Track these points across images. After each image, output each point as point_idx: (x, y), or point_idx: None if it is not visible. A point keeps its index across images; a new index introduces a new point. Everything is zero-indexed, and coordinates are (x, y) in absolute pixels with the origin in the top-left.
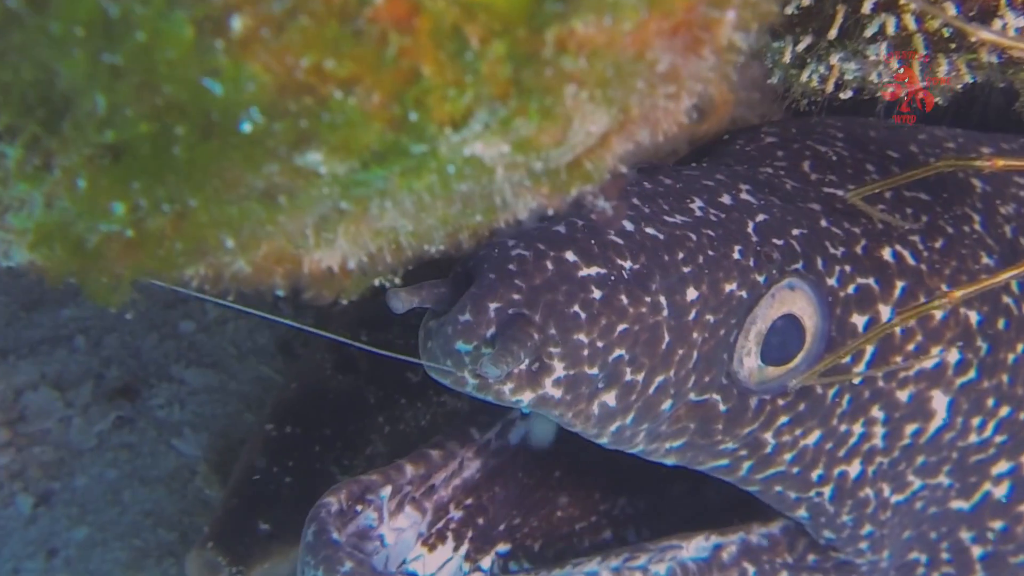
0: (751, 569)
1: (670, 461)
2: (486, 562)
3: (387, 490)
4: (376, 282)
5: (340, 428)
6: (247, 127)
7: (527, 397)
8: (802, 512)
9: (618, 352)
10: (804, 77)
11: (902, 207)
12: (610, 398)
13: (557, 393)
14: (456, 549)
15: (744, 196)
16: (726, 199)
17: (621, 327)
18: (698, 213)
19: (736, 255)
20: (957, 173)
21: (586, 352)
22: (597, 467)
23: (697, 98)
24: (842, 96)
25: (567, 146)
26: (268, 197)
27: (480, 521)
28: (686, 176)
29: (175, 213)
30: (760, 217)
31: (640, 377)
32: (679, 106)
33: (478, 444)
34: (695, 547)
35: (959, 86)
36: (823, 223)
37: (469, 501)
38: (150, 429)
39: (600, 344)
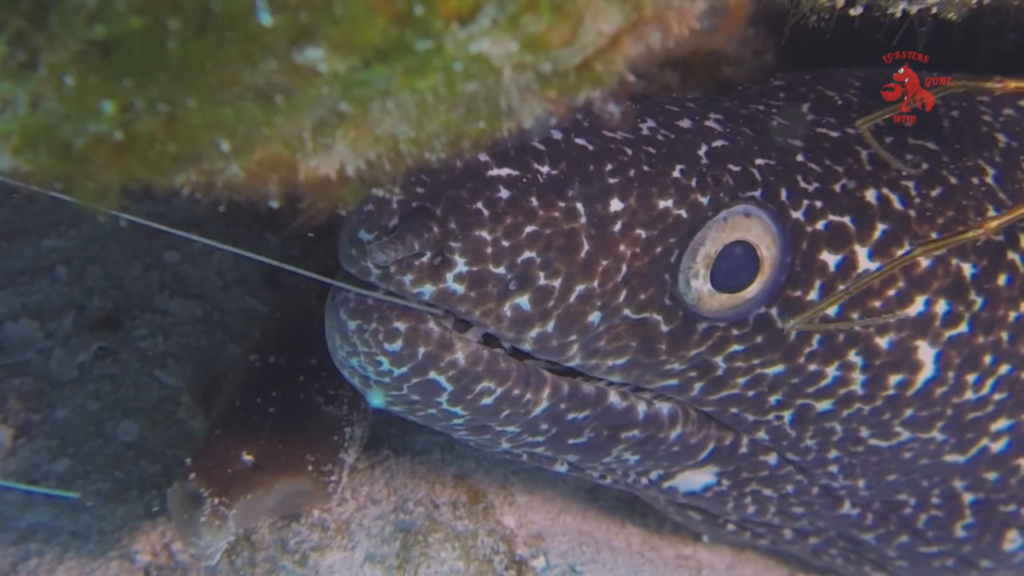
0: (746, 439)
1: (615, 378)
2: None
3: None
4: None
5: (325, 358)
6: (265, 18)
7: (428, 289)
8: (761, 434)
9: (528, 254)
10: None
11: (903, 153)
12: (524, 301)
13: (460, 288)
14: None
15: (709, 123)
16: (685, 123)
17: (529, 228)
18: (644, 132)
19: (676, 173)
20: (980, 127)
21: (489, 249)
22: None
23: (712, 0)
24: (852, 13)
25: (577, 46)
26: (265, 97)
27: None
28: (650, 102)
29: (167, 114)
30: (718, 143)
31: (556, 283)
32: (694, 6)
33: None
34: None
35: (973, 1)
36: (799, 158)
37: None
38: (133, 360)
39: (505, 243)
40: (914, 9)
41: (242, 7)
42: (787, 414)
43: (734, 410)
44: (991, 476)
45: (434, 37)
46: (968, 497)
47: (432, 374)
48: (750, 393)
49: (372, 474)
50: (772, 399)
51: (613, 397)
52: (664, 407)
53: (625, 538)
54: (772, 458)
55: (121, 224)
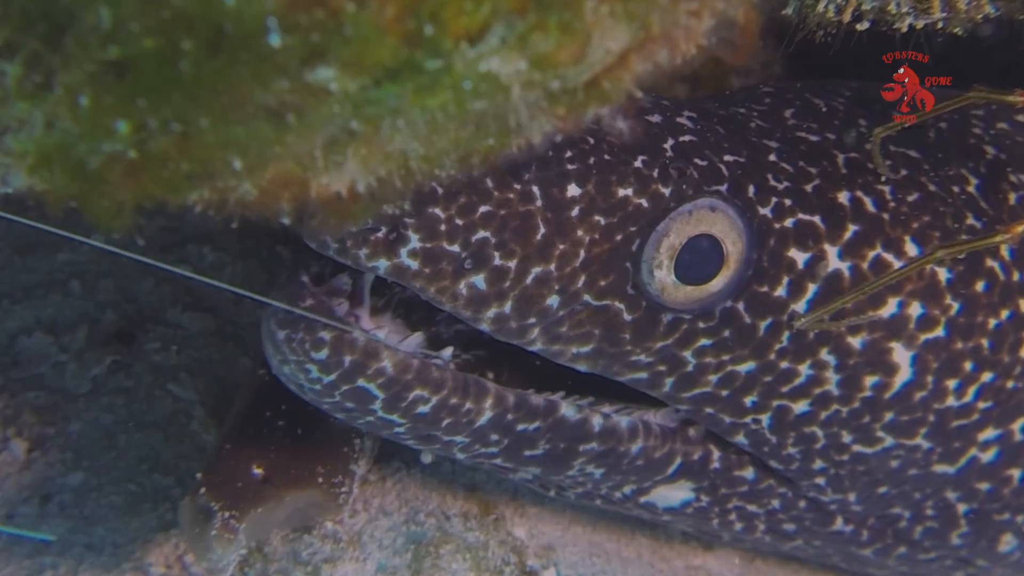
0: (717, 453)
1: (582, 367)
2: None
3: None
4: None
5: None
6: (275, 39)
7: (382, 264)
8: (740, 438)
9: (482, 233)
10: (820, 7)
11: (882, 160)
12: (479, 280)
13: (413, 264)
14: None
15: (679, 120)
16: (655, 118)
17: (483, 208)
18: None
19: (638, 163)
20: (969, 139)
21: (443, 227)
22: None
23: (719, 17)
24: (859, 28)
25: (585, 64)
26: (277, 116)
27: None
28: None
29: (180, 133)
30: (686, 138)
31: (511, 264)
32: (701, 24)
33: None
34: (663, 415)
35: (979, 16)
36: (771, 157)
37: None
38: (146, 374)
39: (459, 221)
40: (920, 24)
41: (254, 28)
42: (764, 417)
43: (709, 410)
44: (983, 487)
45: (444, 56)
46: (962, 508)
47: (361, 382)
48: (724, 392)
49: (384, 486)
50: (747, 400)
51: (565, 409)
52: (623, 420)
53: (635, 549)
54: (748, 472)
55: (138, 243)
